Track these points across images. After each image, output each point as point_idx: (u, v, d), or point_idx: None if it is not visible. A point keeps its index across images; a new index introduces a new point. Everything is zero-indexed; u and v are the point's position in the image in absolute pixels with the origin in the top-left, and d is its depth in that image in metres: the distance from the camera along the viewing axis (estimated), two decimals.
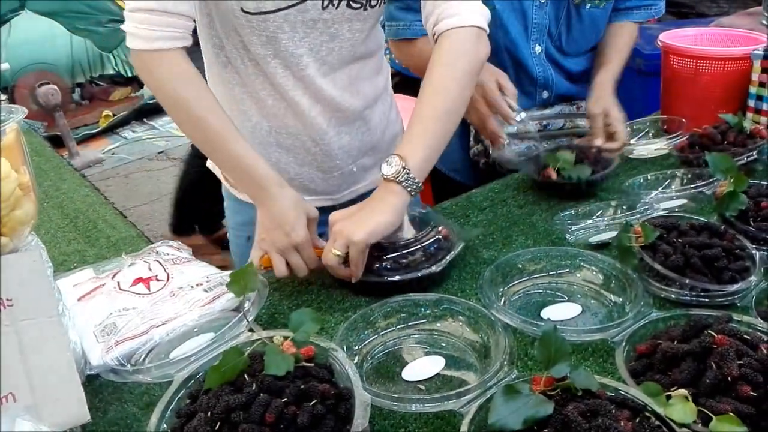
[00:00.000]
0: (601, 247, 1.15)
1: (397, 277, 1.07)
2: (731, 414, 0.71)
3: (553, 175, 1.35)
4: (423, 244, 1.12)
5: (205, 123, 1.06)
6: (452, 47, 1.10)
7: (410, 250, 1.10)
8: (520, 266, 1.09)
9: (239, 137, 1.08)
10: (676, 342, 0.82)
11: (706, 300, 0.96)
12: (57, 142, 4.24)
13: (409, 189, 1.05)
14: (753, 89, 1.46)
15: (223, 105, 1.15)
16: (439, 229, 1.15)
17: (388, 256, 1.09)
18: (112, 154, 4.79)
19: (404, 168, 1.04)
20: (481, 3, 1.14)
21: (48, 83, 4.47)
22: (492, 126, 1.40)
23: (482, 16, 1.13)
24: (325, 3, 1.08)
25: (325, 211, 1.31)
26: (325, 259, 1.05)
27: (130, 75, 5.22)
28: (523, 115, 1.43)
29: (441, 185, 1.75)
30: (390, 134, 1.38)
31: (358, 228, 1.03)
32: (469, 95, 1.14)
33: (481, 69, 1.15)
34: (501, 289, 1.05)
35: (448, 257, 1.10)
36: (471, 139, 1.60)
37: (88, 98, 5.28)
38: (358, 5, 1.11)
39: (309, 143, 1.24)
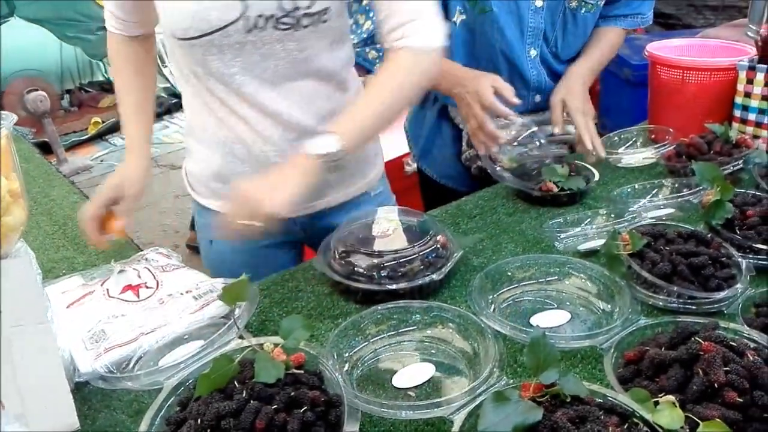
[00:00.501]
0: (590, 254, 1.16)
1: (395, 286, 1.07)
2: (718, 420, 0.72)
3: (554, 188, 1.37)
4: (421, 253, 1.12)
5: (120, 99, 1.28)
6: (415, 63, 1.10)
7: (408, 258, 1.11)
8: (510, 274, 1.10)
9: (134, 113, 1.27)
10: (663, 349, 0.83)
11: (693, 307, 0.97)
12: (45, 148, 4.22)
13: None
14: (739, 99, 1.48)
15: (190, 116, 1.26)
16: (438, 237, 1.16)
17: (386, 265, 1.10)
18: (101, 161, 4.77)
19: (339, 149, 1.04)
20: (440, 17, 1.13)
21: (37, 90, 4.45)
22: (489, 127, 1.41)
23: (444, 34, 1.13)
24: (249, 27, 1.07)
25: (285, 224, 1.29)
26: (228, 226, 1.01)
27: None
28: (520, 120, 1.45)
29: (432, 192, 1.76)
30: (356, 154, 1.31)
31: (270, 199, 0.99)
32: (406, 107, 1.16)
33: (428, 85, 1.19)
34: (491, 297, 1.06)
35: (448, 265, 1.11)
36: (464, 144, 1.61)
37: (77, 105, 5.26)
38: (287, 26, 1.09)
39: (262, 156, 1.21)
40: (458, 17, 1.48)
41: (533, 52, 1.51)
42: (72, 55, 5.07)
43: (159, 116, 5.10)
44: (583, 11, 1.48)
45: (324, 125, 1.20)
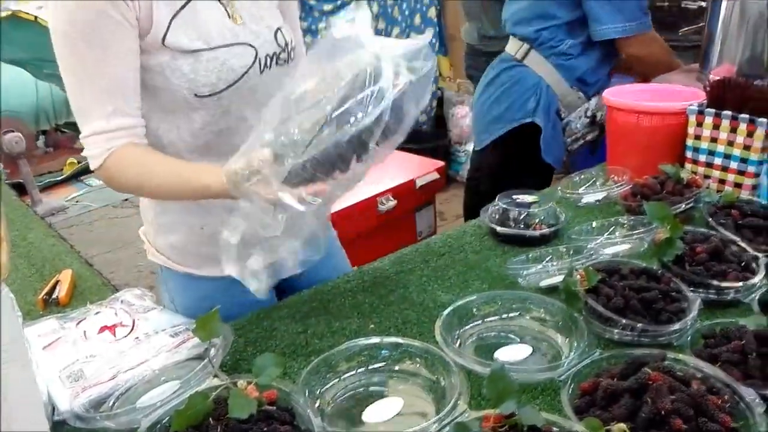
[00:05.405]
0: (552, 290, 1.22)
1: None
2: None
3: (546, 229, 1.44)
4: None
5: (162, 184, 1.10)
6: None
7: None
8: (475, 310, 1.15)
9: (187, 167, 1.11)
10: (616, 379, 0.89)
11: (646, 340, 1.02)
12: (19, 189, 4.20)
13: None
14: (690, 142, 1.57)
15: None
16: None
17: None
18: (76, 201, 4.75)
19: None
20: None
21: (12, 131, 4.45)
22: None
23: None
24: (262, 68, 1.17)
25: None
26: None
27: None
28: None
29: None
30: None
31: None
32: None
33: None
34: (457, 332, 1.10)
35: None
36: None
37: (52, 146, 5.27)
38: (283, 61, 1.22)
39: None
40: None
41: None
42: (48, 95, 5.08)
43: None
44: None
45: None
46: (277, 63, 1.21)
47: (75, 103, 1.08)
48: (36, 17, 4.74)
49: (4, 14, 4.80)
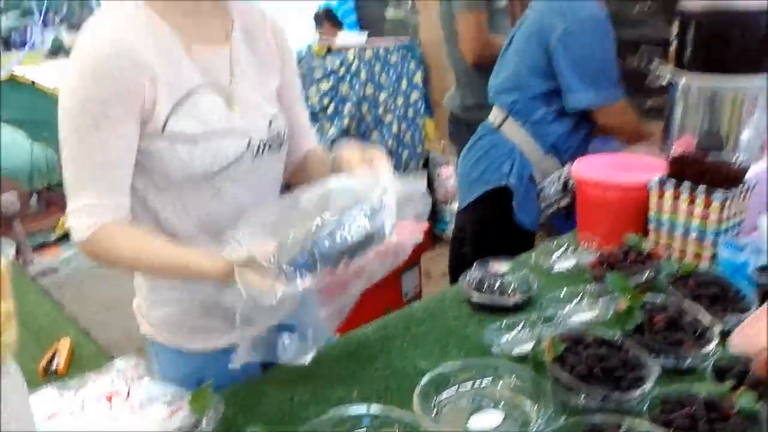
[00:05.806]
0: (523, 358, 1.30)
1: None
2: None
3: (520, 296, 1.52)
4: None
5: (160, 264, 1.18)
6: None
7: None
8: (452, 377, 1.22)
9: (184, 251, 1.19)
10: None
11: (608, 406, 1.10)
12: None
13: None
14: (652, 213, 1.68)
15: None
16: None
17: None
18: (68, 262, 4.79)
19: None
20: None
21: (8, 191, 4.53)
22: None
23: None
24: (255, 154, 1.27)
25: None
26: None
27: None
28: None
29: None
30: None
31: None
32: None
33: None
34: (434, 400, 1.17)
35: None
36: None
37: (45, 205, 5.34)
38: (276, 147, 1.33)
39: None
40: None
41: None
42: (42, 154, 5.20)
43: None
44: None
45: None
46: (269, 149, 1.31)
47: (69, 176, 1.15)
48: (33, 82, 4.92)
49: (4, 77, 4.97)
